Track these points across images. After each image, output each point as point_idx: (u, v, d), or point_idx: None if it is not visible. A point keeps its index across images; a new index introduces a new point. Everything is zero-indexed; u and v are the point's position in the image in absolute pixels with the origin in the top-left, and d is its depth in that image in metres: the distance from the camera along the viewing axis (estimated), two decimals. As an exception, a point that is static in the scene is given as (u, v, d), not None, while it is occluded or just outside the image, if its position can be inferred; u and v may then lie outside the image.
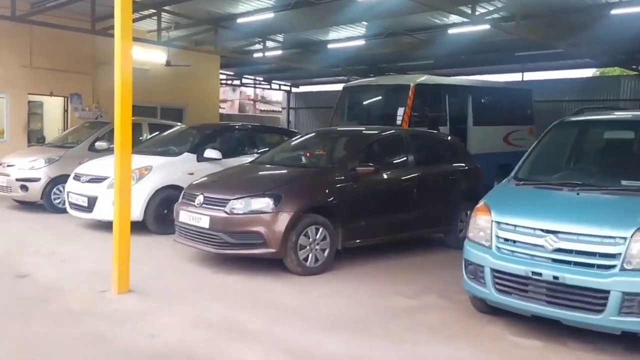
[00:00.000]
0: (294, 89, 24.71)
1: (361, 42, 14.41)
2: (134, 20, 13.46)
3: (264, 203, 5.81)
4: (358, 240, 6.50)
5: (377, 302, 5.11)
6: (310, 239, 5.95)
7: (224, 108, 26.60)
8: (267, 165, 7.31)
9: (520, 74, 18.35)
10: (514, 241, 4.30)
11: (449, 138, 8.97)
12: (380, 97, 13.07)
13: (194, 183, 6.85)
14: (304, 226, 5.89)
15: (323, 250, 6.08)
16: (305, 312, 4.79)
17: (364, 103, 13.62)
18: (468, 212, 8.09)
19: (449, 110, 12.62)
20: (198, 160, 8.58)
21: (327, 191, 6.23)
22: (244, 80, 23.68)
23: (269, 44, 15.73)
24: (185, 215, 6.26)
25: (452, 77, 14.23)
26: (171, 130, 10.18)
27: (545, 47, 14.02)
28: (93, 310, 4.66)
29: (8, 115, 13.62)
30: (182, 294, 5.19)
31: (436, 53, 14.93)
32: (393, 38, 14.28)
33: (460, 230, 7.72)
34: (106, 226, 7.44)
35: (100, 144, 9.84)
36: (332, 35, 14.83)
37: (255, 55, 16.46)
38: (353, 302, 5.10)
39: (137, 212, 7.77)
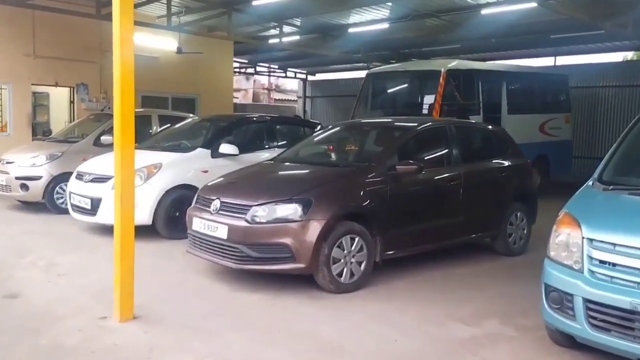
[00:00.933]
0: (310, 77, 23.74)
1: (384, 25, 13.42)
2: (142, 4, 12.76)
3: (292, 210, 4.95)
4: (399, 251, 5.63)
5: (429, 331, 4.25)
6: (345, 251, 5.09)
7: (237, 97, 25.71)
8: (292, 164, 6.44)
9: (552, 58, 17.22)
10: (614, 264, 3.41)
11: (495, 129, 8.04)
12: (407, 85, 12.13)
13: (208, 185, 6.00)
14: (337, 236, 5.02)
15: (359, 264, 5.21)
16: (346, 346, 3.94)
17: (390, 91, 12.68)
18: (518, 214, 7.27)
19: (482, 98, 11.67)
20: (212, 157, 7.75)
21: (363, 194, 5.34)
22: (258, 69, 22.75)
23: (286, 28, 14.79)
24: (199, 223, 5.42)
25: (485, 62, 13.23)
26: (183, 123, 9.31)
27: (585, 28, 12.94)
28: (89, 346, 3.84)
29: (11, 107, 12.88)
30: (197, 320, 4.36)
31: (465, 36, 13.89)
32: (419, 21, 13.26)
33: (510, 235, 6.84)
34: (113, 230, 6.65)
35: (105, 138, 8.90)
36: (354, 18, 13.85)
37: (271, 41, 15.51)
38: (401, 331, 4.23)
39: (145, 215, 7.00)
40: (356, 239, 5.15)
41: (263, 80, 28.41)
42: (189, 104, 15.77)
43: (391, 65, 12.48)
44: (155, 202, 7.08)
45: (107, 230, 7.34)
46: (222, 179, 6.09)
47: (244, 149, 8.02)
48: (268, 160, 6.90)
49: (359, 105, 12.34)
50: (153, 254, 6.32)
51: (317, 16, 13.83)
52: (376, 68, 12.73)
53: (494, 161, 6.97)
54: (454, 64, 11.38)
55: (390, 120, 8.22)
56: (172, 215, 7.18)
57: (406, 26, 13.95)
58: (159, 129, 9.95)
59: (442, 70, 10.94)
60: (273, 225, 4.93)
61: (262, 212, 4.97)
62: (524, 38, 14.48)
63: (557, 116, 13.51)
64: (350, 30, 14.24)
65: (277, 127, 9.00)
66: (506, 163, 7.04)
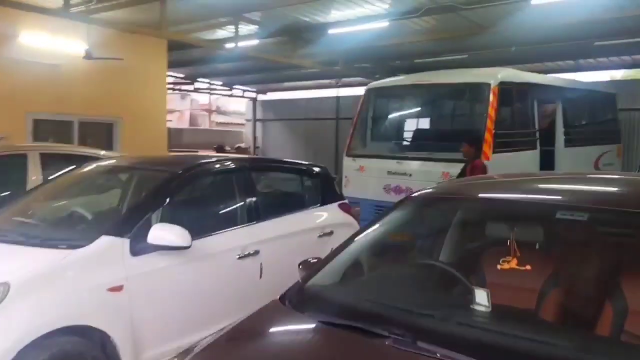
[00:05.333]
0: (260, 97, 19.79)
1: (382, 23, 9.67)
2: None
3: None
4: None
5: None
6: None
7: (170, 120, 21.25)
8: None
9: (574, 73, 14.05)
10: None
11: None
12: (431, 105, 8.43)
13: None
14: None
15: None
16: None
17: (403, 114, 8.94)
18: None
19: (538, 124, 8.15)
20: (134, 253, 3.65)
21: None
22: (197, 85, 18.50)
23: (242, 30, 10.79)
24: None
25: (538, 74, 9.69)
26: (82, 170, 5.06)
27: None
28: None
29: None
30: None
31: (488, 42, 10.45)
32: (430, 19, 9.62)
33: None
34: None
35: None
36: (337, 15, 10.05)
37: (228, 45, 11.35)
38: None
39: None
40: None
41: (202, 99, 24.05)
42: (105, 131, 11.32)
43: (405, 77, 8.66)
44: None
45: None
46: None
47: (199, 229, 3.99)
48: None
49: (356, 134, 8.50)
50: None
51: (285, 10, 9.93)
52: (380, 81, 8.91)
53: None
54: (505, 73, 7.76)
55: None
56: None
57: (410, 26, 10.31)
58: (39, 181, 5.64)
59: (492, 82, 7.28)
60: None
61: None
62: (555, 46, 11.16)
63: (610, 148, 10.20)
64: (331, 31, 10.42)
65: (261, 179, 4.98)
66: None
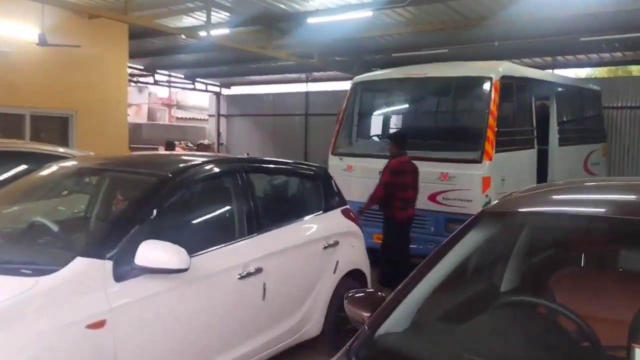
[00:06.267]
0: (224, 91, 18.88)
1: (365, 13, 9.07)
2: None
3: None
4: None
5: None
6: None
7: (128, 115, 20.08)
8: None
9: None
10: None
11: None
12: (425, 100, 7.88)
13: None
14: None
15: None
16: None
17: (394, 109, 8.36)
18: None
19: (536, 121, 7.74)
20: (118, 279, 2.91)
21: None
22: (157, 77, 17.44)
23: (212, 16, 9.95)
24: None
25: (534, 69, 9.23)
26: (43, 173, 4.21)
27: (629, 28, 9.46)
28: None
29: None
30: None
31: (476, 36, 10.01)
32: (418, 8, 9.07)
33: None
34: None
35: None
36: (316, 2, 9.37)
37: (197, 33, 10.45)
38: None
39: None
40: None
41: (161, 93, 22.90)
42: (59, 126, 10.31)
43: (395, 70, 8.07)
44: None
45: None
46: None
47: (193, 244, 3.28)
48: None
49: (342, 131, 7.88)
50: None
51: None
52: (368, 74, 8.27)
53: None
54: (506, 67, 7.29)
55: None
56: None
57: (392, 17, 9.74)
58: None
59: (494, 77, 6.78)
60: None
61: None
62: (538, 42, 10.82)
63: (597, 147, 9.93)
64: (310, 20, 9.74)
65: (259, 182, 4.26)
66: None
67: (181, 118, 22.82)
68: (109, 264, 2.91)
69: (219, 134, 18.42)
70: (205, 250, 3.43)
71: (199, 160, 3.85)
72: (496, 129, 6.61)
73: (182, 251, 3.03)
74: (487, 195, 6.57)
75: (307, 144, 16.25)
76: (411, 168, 6.39)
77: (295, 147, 16.05)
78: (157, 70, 17.07)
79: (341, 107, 8.02)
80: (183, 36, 11.30)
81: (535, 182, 7.88)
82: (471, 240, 2.28)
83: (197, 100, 23.73)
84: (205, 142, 18.26)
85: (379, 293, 2.28)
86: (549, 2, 8.39)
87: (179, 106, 23.77)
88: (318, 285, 4.38)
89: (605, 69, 17.61)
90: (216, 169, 3.86)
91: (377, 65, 12.81)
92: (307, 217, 4.48)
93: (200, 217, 3.80)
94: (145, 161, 4.19)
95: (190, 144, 17.91)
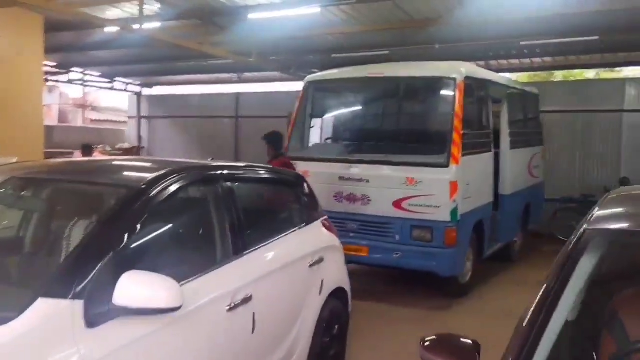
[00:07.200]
0: (145, 91, 17.67)
1: (314, 9, 8.57)
2: None
3: None
4: None
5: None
6: None
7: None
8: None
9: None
10: None
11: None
12: (387, 100, 7.52)
13: None
14: None
15: None
16: None
17: (351, 111, 7.93)
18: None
19: (492, 124, 7.62)
20: (91, 324, 2.24)
21: None
22: (72, 76, 15.99)
23: (136, 8, 9.01)
24: None
25: (489, 71, 9.04)
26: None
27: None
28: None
29: None
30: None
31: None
32: (367, 6, 8.68)
33: None
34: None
35: None
36: (259, -3, 8.75)
37: (135, 26, 9.44)
38: None
39: None
40: None
41: (72, 93, 21.15)
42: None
43: (353, 69, 7.63)
44: None
45: None
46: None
47: (176, 272, 2.62)
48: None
49: (295, 134, 7.39)
50: None
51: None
52: (322, 73, 7.75)
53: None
54: (468, 68, 7.07)
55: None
56: None
57: (337, 16, 9.32)
58: None
59: (457, 77, 6.53)
60: None
61: None
62: (479, 45, 10.81)
63: (538, 150, 10.05)
64: (252, 16, 9.10)
65: (241, 192, 3.62)
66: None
67: (96, 120, 21.20)
68: (78, 306, 2.23)
69: (139, 137, 17.22)
70: (190, 279, 2.80)
71: (169, 168, 3.19)
72: (462, 132, 6.35)
73: (174, 284, 2.40)
74: (454, 201, 6.29)
75: (238, 148, 15.51)
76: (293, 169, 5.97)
77: (225, 151, 15.23)
78: (71, 68, 15.64)
79: (294, 108, 7.48)
80: (106, 30, 10.30)
81: (492, 187, 7.75)
82: (583, 272, 1.81)
83: (112, 101, 22.21)
84: (126, 145, 17.04)
85: (467, 341, 1.79)
86: (496, 4, 8.29)
87: (93, 107, 22.11)
88: (304, 309, 3.84)
89: (526, 74, 18.22)
90: (194, 179, 3.21)
91: (316, 67, 12.34)
92: (291, 232, 3.92)
93: (181, 238, 3.14)
94: (99, 169, 3.44)
95: (108, 148, 16.65)
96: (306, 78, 7.59)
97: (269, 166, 4.20)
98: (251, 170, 3.86)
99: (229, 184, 3.39)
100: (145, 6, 8.97)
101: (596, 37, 9.61)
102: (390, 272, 7.48)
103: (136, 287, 2.30)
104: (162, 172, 3.01)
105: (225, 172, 3.44)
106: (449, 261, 6.39)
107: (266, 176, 4.10)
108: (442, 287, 6.93)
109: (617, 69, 17.36)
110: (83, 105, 21.42)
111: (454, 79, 6.47)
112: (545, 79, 19.62)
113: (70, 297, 2.23)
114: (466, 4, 8.30)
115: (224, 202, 3.27)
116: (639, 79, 12.50)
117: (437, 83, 6.69)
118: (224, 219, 3.22)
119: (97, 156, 14.18)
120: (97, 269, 2.34)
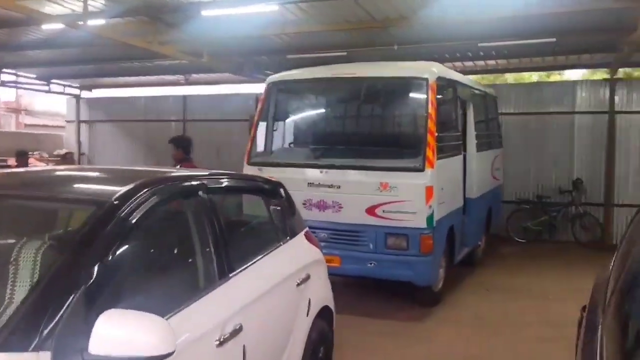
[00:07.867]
0: (85, 94, 16.67)
1: (271, 7, 8.14)
2: None
3: None
4: None
5: None
6: None
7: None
8: None
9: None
10: None
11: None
12: (356, 102, 7.16)
13: None
14: None
15: None
16: None
17: (317, 113, 7.55)
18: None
19: (461, 125, 7.45)
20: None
21: None
22: (3, 78, 14.83)
23: (90, 5, 8.32)
24: None
25: (456, 72, 8.82)
26: None
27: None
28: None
29: None
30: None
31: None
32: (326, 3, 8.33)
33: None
34: None
35: None
36: (214, -8, 8.24)
37: (79, 22, 8.65)
38: None
39: None
40: None
41: (6, 96, 19.75)
42: None
43: (319, 69, 7.25)
44: None
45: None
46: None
47: (158, 305, 2.17)
48: None
49: (258, 138, 6.95)
50: None
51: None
52: (285, 73, 7.31)
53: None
54: (438, 68, 6.83)
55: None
56: None
57: (295, 14, 8.93)
58: None
59: (429, 78, 6.28)
60: None
61: None
62: (438, 47, 10.67)
63: (499, 153, 10.01)
64: (205, 12, 8.57)
65: (222, 205, 3.17)
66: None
67: (31, 125, 19.87)
68: (44, 358, 1.74)
69: (79, 143, 16.21)
70: (175, 311, 2.34)
71: (142, 178, 2.70)
72: (436, 134, 6.09)
73: (163, 324, 1.94)
74: (430, 207, 6.02)
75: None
76: None
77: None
78: (3, 69, 14.51)
79: (255, 110, 7.03)
80: (44, 27, 9.50)
81: (463, 191, 7.56)
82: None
83: (47, 104, 20.91)
84: (63, 151, 16.02)
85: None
86: (459, 4, 8.13)
87: (27, 111, 20.74)
88: (293, 333, 3.42)
89: (479, 76, 18.40)
90: (173, 191, 2.74)
91: (270, 68, 11.89)
92: (276, 247, 3.49)
93: (161, 263, 2.65)
94: (55, 180, 2.90)
95: (45, 155, 15.60)
96: (268, 78, 7.16)
97: (248, 174, 3.76)
98: (231, 179, 3.40)
99: (210, 195, 2.93)
100: (89, 2, 8.30)
101: (553, 39, 9.65)
102: (362, 281, 7.13)
103: (117, 331, 1.83)
104: (135, 183, 2.53)
105: (205, 182, 2.98)
106: (425, 270, 6.11)
107: (247, 186, 3.66)
108: (416, 296, 6.65)
109: (562, 72, 17.82)
110: (16, 109, 20.03)
111: (426, 79, 6.21)
112: (492, 81, 19.92)
113: (31, 349, 1.74)
114: (430, 4, 8.11)
115: (207, 218, 2.82)
116: (588, 81, 12.72)
117: (408, 83, 6.41)
118: (206, 238, 2.77)
119: (33, 164, 13.18)
120: (63, 309, 1.85)
